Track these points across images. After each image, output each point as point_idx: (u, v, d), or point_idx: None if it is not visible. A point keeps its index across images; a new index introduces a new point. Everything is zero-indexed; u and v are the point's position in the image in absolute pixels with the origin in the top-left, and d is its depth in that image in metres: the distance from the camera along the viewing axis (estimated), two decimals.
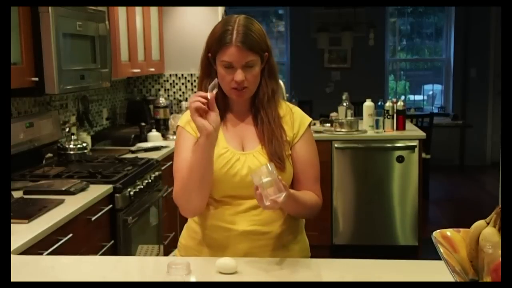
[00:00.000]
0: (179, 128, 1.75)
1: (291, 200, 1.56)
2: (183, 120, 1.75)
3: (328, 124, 4.43)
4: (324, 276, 1.59)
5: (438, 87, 8.24)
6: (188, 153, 1.65)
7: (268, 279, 1.51)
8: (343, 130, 4.31)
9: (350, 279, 1.50)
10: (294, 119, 1.76)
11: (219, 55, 1.64)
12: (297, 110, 1.79)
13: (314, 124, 4.44)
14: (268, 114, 1.71)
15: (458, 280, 1.14)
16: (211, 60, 1.68)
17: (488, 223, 1.16)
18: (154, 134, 4.07)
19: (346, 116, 4.54)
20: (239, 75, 1.62)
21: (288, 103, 1.82)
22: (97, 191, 2.59)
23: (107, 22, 3.29)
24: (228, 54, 1.62)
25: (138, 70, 4.10)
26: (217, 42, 1.64)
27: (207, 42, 1.70)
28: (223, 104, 1.72)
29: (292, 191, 1.59)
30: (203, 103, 1.53)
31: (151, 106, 4.56)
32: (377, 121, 4.35)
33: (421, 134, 4.32)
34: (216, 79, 1.62)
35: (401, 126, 4.36)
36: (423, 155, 4.41)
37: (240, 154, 1.69)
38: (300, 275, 1.55)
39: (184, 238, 1.81)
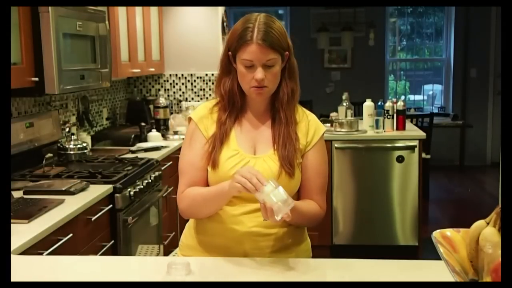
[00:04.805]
0: (192, 123, 1.74)
1: (296, 212, 1.55)
2: (198, 114, 1.74)
3: (328, 124, 4.42)
4: (324, 276, 1.59)
5: (438, 87, 8.23)
6: (196, 157, 1.68)
7: (268, 279, 1.50)
8: (343, 130, 4.30)
9: (350, 279, 1.49)
10: (309, 127, 1.73)
11: (240, 53, 1.62)
12: (313, 118, 1.77)
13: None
14: (287, 115, 1.69)
15: (458, 280, 1.14)
16: (231, 59, 1.67)
17: (488, 223, 1.16)
18: (154, 134, 4.07)
19: (346, 116, 4.54)
20: (259, 74, 1.61)
21: (304, 109, 1.79)
22: (97, 191, 2.58)
23: (107, 22, 3.29)
24: (248, 52, 1.60)
25: (138, 70, 4.10)
26: (237, 40, 1.62)
27: (227, 40, 1.68)
28: (242, 103, 1.71)
29: (296, 203, 1.56)
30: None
31: (151, 106, 4.57)
32: (377, 121, 4.34)
33: (421, 134, 4.31)
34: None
35: (401, 126, 4.36)
36: (423, 155, 4.40)
37: (251, 157, 1.67)
38: (300, 275, 1.54)
39: (186, 237, 1.80)
